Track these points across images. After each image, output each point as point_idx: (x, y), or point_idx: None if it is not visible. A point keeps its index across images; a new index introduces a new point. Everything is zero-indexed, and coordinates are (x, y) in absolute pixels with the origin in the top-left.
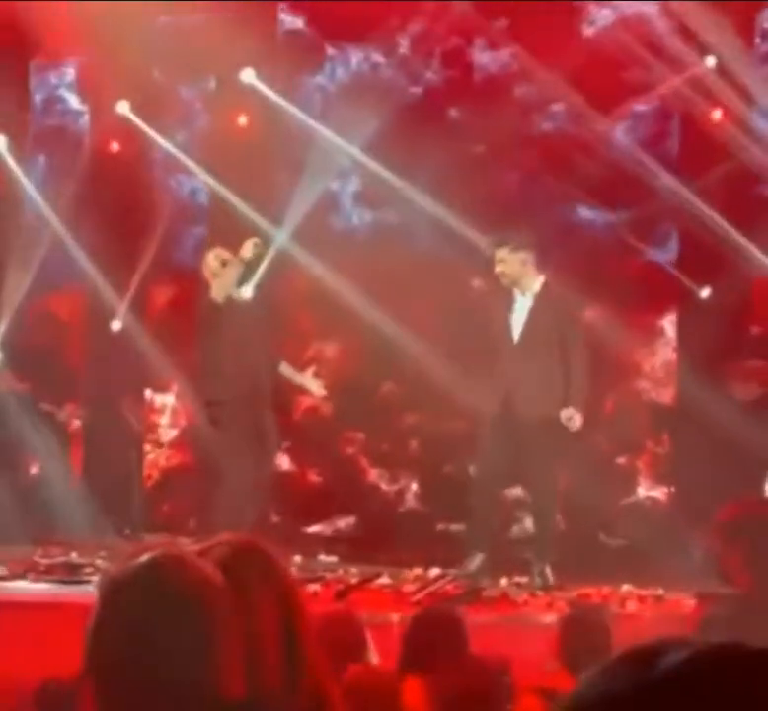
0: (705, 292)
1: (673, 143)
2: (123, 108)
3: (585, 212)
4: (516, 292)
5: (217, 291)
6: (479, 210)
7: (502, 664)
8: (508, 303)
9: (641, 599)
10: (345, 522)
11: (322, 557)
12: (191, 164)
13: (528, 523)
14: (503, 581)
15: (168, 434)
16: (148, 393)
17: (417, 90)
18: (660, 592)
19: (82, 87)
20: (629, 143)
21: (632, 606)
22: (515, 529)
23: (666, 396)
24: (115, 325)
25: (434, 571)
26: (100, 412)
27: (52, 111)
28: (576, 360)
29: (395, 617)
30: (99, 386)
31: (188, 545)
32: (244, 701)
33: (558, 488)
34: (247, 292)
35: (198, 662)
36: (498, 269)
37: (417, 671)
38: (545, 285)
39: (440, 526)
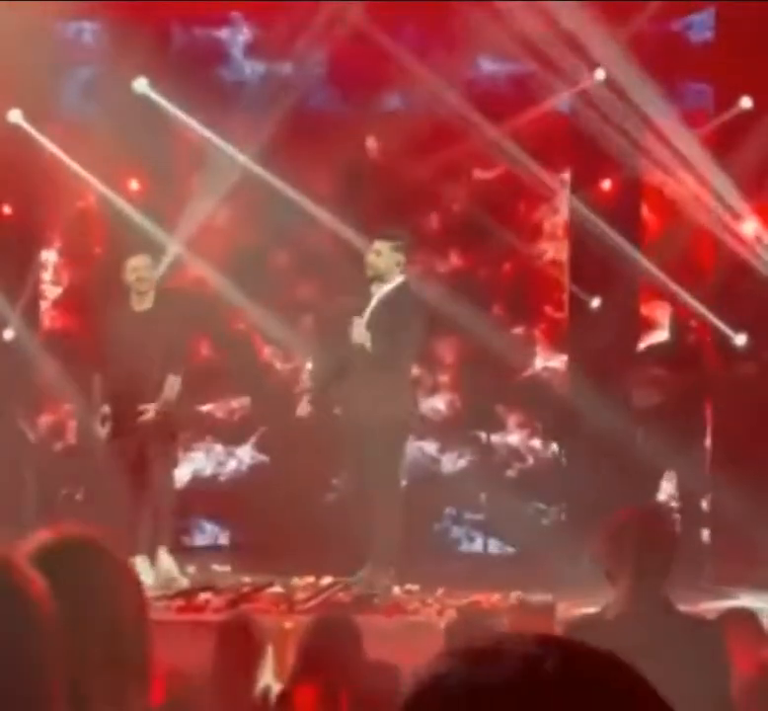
0: (595, 302)
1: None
2: (15, 116)
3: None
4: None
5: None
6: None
7: (395, 670)
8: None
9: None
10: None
11: (215, 567)
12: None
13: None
14: (395, 589)
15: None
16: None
17: None
18: (549, 598)
19: None
20: None
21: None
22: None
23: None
24: (7, 334)
25: (326, 580)
26: None
27: None
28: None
29: (288, 625)
30: None
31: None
32: None
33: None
34: (147, 303)
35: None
36: (370, 258)
37: (311, 678)
38: (401, 284)
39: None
